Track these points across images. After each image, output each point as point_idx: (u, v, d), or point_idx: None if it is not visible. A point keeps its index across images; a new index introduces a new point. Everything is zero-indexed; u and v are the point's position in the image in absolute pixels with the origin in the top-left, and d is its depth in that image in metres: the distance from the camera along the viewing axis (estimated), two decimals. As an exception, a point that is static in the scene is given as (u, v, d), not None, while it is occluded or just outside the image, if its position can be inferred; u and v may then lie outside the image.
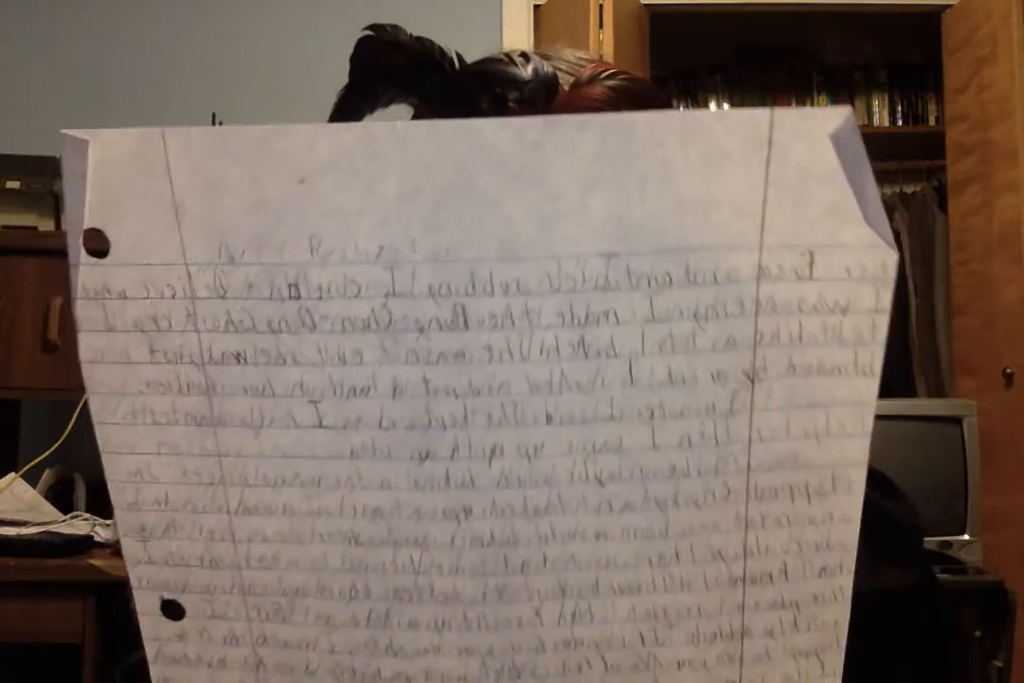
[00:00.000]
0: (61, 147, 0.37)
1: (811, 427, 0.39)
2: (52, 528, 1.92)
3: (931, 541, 2.33)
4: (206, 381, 0.39)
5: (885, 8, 2.81)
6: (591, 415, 0.38)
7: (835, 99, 3.52)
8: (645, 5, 2.69)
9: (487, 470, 0.38)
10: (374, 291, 0.38)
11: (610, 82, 0.62)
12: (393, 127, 0.37)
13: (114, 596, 1.69)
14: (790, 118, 0.36)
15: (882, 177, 3.24)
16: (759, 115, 0.36)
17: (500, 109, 0.59)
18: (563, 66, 0.63)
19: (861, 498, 0.40)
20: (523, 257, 0.37)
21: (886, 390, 0.43)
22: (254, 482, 0.40)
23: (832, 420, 0.39)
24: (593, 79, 0.62)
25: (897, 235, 3.11)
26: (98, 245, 0.39)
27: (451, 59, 0.58)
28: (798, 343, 0.38)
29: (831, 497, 0.39)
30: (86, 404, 0.40)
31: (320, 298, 0.38)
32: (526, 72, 0.60)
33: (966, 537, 2.46)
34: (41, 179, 2.19)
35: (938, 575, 0.64)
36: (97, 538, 1.92)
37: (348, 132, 0.38)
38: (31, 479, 2.06)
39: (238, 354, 0.39)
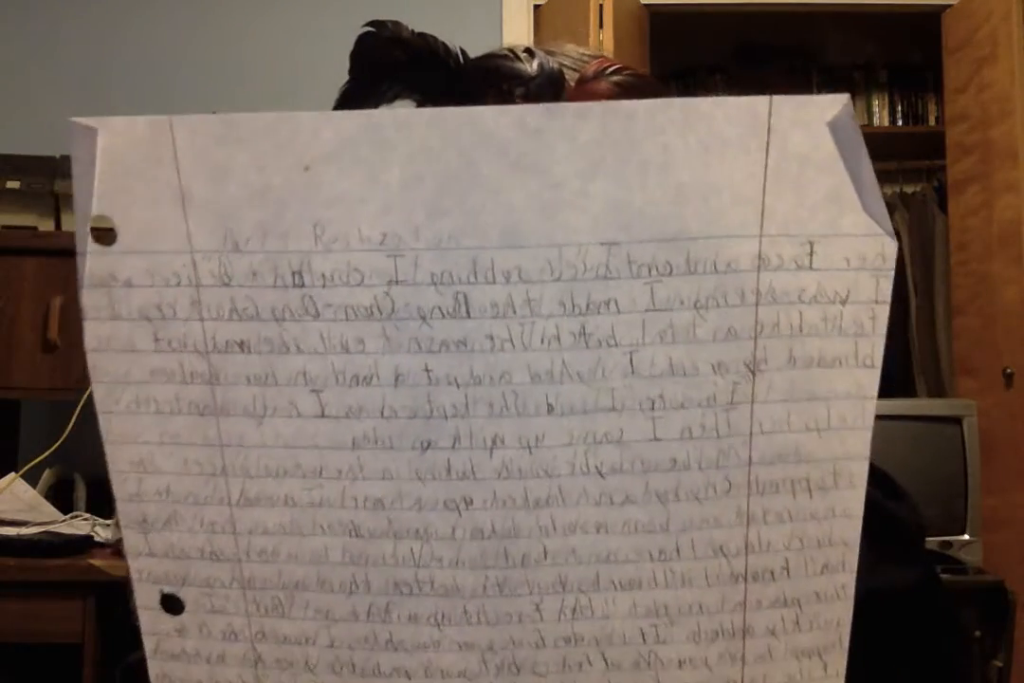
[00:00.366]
0: (70, 135, 0.38)
1: (812, 420, 0.39)
2: (52, 528, 1.92)
3: (931, 541, 2.33)
4: (209, 370, 0.39)
5: (885, 8, 2.81)
6: (592, 406, 0.38)
7: (835, 99, 3.52)
8: (645, 5, 2.69)
9: (488, 460, 0.38)
10: (377, 279, 0.38)
11: (615, 78, 0.62)
12: (396, 114, 0.37)
13: (114, 596, 1.68)
14: (788, 105, 0.37)
15: (882, 177, 3.18)
16: (758, 102, 0.36)
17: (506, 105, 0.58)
18: (567, 62, 0.63)
19: (863, 493, 0.39)
20: (524, 245, 0.37)
21: (886, 390, 0.43)
22: (256, 473, 0.40)
23: (833, 413, 0.39)
24: (598, 75, 0.62)
25: (897, 235, 3.10)
26: (105, 233, 0.39)
27: (456, 55, 0.58)
28: (798, 334, 0.38)
29: (833, 492, 0.39)
30: (86, 404, 0.40)
31: (323, 286, 0.38)
32: (531, 68, 0.59)
33: (966, 537, 2.46)
34: (41, 179, 2.19)
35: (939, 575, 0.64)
36: (97, 538, 1.91)
37: (352, 120, 0.38)
38: (31, 479, 2.06)
39: (242, 342, 0.39)
